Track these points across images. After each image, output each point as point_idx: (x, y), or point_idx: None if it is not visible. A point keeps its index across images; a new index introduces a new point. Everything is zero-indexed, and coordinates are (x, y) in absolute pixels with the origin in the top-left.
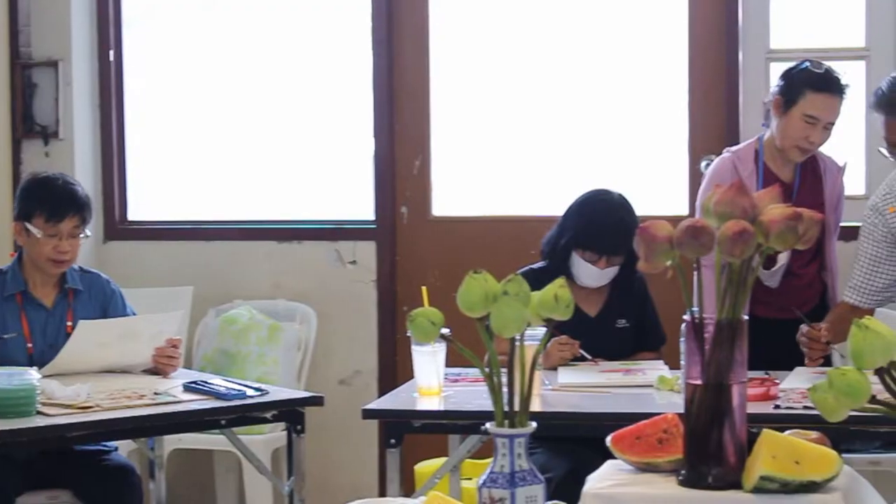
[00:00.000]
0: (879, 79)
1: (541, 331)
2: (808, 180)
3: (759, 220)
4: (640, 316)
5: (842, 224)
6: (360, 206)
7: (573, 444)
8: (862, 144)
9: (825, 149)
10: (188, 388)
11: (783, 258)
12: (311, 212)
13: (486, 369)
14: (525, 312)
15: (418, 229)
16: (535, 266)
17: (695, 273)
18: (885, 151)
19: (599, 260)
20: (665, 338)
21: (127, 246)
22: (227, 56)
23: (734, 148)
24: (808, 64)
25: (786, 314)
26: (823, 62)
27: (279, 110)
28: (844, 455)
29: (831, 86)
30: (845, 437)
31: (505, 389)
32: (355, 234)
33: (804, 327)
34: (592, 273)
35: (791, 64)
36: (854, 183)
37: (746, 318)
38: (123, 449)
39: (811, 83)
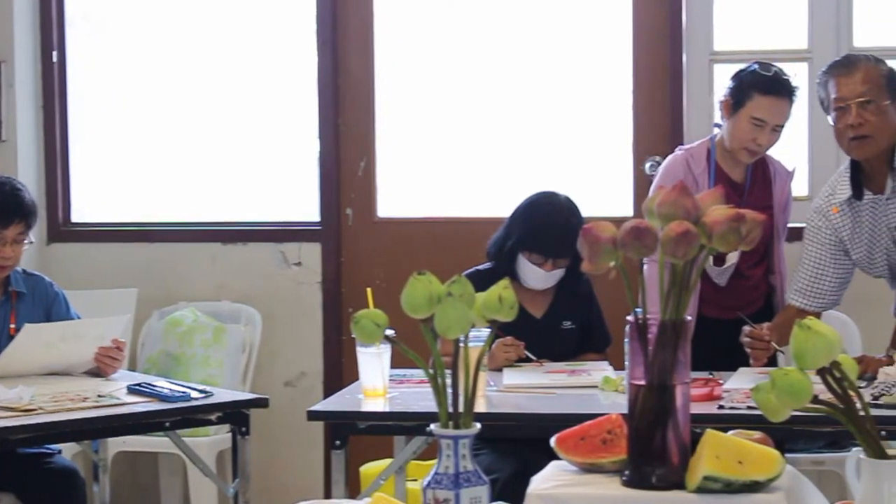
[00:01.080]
0: None
1: (485, 332)
2: (759, 182)
3: (702, 222)
4: (586, 317)
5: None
6: (305, 207)
7: (518, 445)
8: (805, 146)
9: (775, 153)
10: (132, 390)
11: (734, 257)
12: (256, 213)
13: (431, 371)
14: (469, 314)
15: (363, 230)
16: (481, 267)
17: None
18: (830, 119)
19: (545, 262)
20: (610, 339)
21: (71, 248)
22: (171, 56)
23: (687, 146)
24: (756, 66)
25: (732, 314)
26: (774, 64)
27: (224, 111)
28: (788, 455)
29: (779, 88)
30: (788, 436)
31: (449, 391)
32: (300, 236)
33: (747, 328)
34: (538, 275)
35: (737, 66)
36: (798, 185)
37: (690, 318)
38: (67, 451)
39: (758, 86)
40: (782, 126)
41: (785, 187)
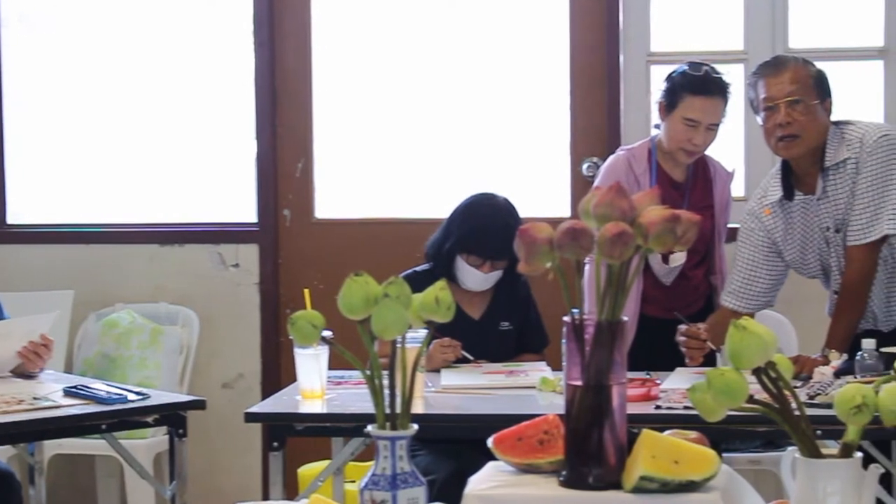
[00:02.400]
0: None
1: (422, 333)
2: (700, 182)
3: (637, 222)
4: (524, 318)
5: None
6: (243, 208)
7: (457, 446)
8: (741, 147)
9: (714, 154)
10: (68, 392)
11: (681, 257)
12: (193, 214)
13: (368, 372)
14: (406, 315)
15: (301, 232)
16: (419, 269)
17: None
18: (760, 119)
19: (483, 264)
20: (548, 339)
21: (6, 249)
22: (108, 56)
23: (629, 146)
24: (685, 67)
25: (670, 314)
26: (705, 63)
27: (161, 112)
28: (726, 454)
29: (709, 88)
30: (725, 436)
31: (387, 392)
32: (238, 237)
33: (683, 326)
34: (476, 277)
35: (674, 67)
36: (734, 186)
37: (626, 319)
38: (2, 454)
39: (689, 86)
40: (717, 124)
41: (725, 188)
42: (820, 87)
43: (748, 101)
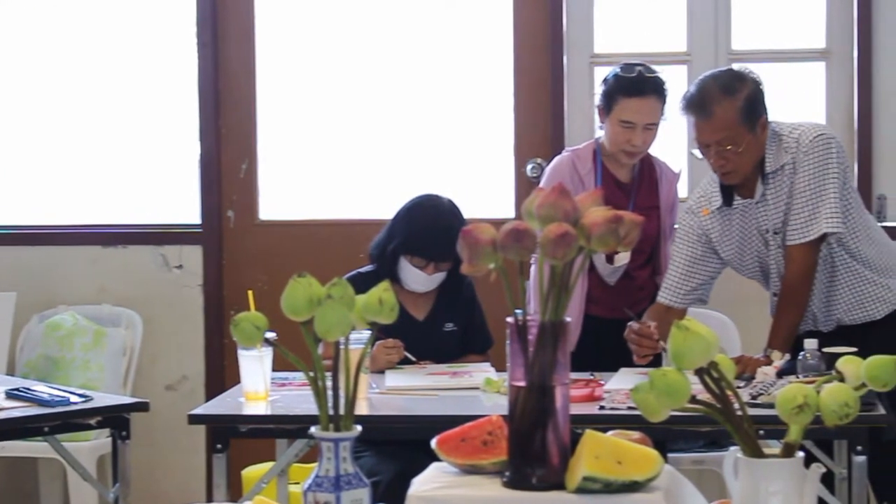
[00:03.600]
0: None
1: (366, 334)
2: (646, 183)
3: (580, 223)
4: (468, 319)
5: None
6: (186, 209)
7: (401, 447)
8: (684, 148)
9: (658, 154)
10: (10, 395)
11: (625, 256)
12: (137, 216)
13: (311, 373)
14: (349, 316)
15: (245, 233)
16: (363, 270)
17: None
18: (697, 153)
19: (427, 265)
20: (492, 340)
21: None
22: (50, 57)
23: (574, 147)
24: (618, 70)
25: (616, 314)
26: (639, 63)
27: (104, 113)
28: (671, 454)
29: (642, 88)
30: (668, 436)
31: (330, 393)
32: (181, 238)
33: (634, 324)
34: (420, 278)
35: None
36: (678, 186)
37: (570, 319)
38: None
39: (622, 89)
40: (655, 124)
41: (671, 189)
42: (751, 116)
43: None
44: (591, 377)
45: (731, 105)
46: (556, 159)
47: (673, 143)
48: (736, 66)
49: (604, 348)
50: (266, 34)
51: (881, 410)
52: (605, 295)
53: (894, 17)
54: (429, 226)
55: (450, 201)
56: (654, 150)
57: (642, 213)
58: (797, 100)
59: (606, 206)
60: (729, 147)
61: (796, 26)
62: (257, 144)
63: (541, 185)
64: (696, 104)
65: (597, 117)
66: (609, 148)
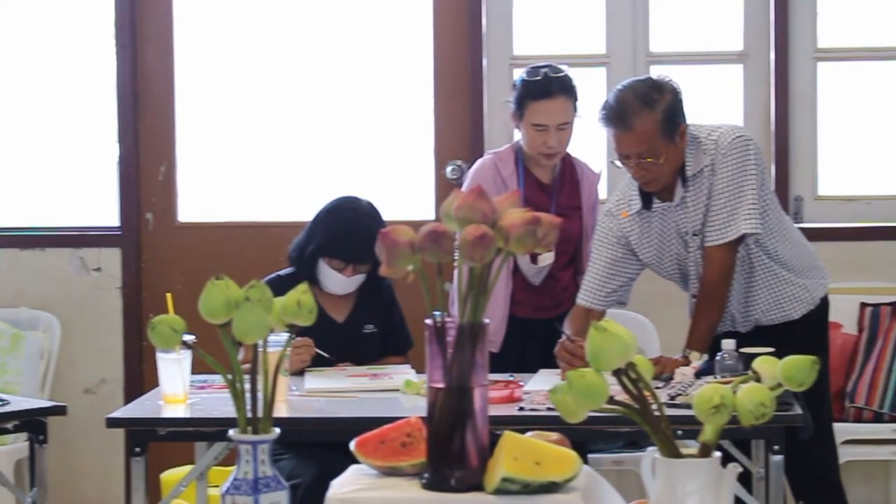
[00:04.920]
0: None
1: (284, 336)
2: (567, 183)
3: (498, 225)
4: (388, 321)
5: None
6: (105, 212)
7: (321, 450)
8: (603, 151)
9: (578, 155)
10: None
11: (549, 257)
12: (55, 218)
13: (229, 376)
14: (267, 318)
15: (164, 235)
16: (282, 272)
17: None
18: (618, 163)
19: (346, 268)
20: (412, 342)
21: None
22: None
23: (496, 150)
24: (524, 75)
25: (541, 314)
26: (544, 64)
27: (21, 115)
28: (592, 455)
29: (549, 90)
30: (587, 437)
31: (249, 395)
32: (100, 241)
33: (567, 342)
34: (339, 280)
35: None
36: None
37: (488, 321)
38: None
39: (530, 93)
40: (567, 123)
41: (592, 189)
42: (670, 127)
43: None
44: (511, 378)
45: (650, 117)
46: (479, 162)
47: (592, 143)
48: (654, 73)
49: (528, 349)
50: (184, 36)
51: (798, 410)
52: (529, 296)
53: (810, 19)
54: (347, 228)
55: (369, 203)
56: (575, 152)
57: (565, 214)
58: (715, 102)
59: (529, 208)
60: (649, 159)
61: (714, 29)
62: (176, 147)
63: (463, 187)
64: (616, 117)
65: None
66: (527, 151)
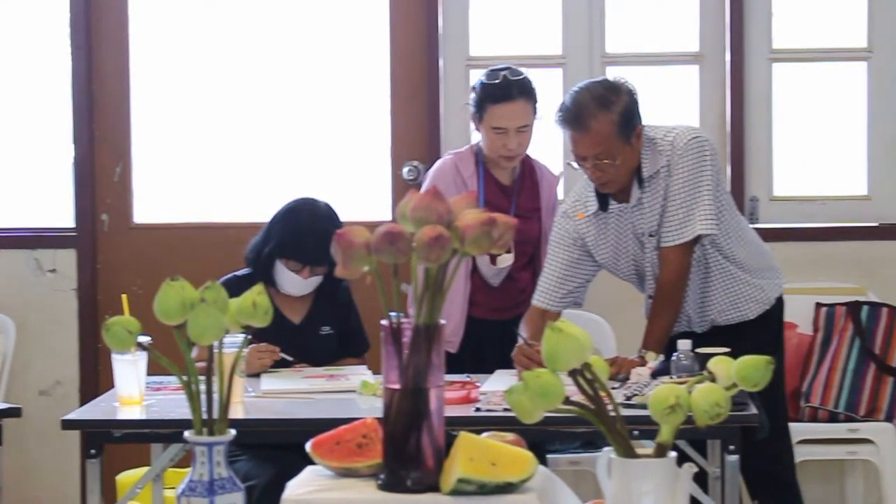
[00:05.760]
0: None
1: (239, 338)
2: (527, 185)
3: (454, 226)
4: (344, 322)
5: None
6: (60, 213)
7: (277, 451)
8: (560, 152)
9: (537, 157)
10: None
11: (509, 258)
12: (9, 219)
13: (184, 377)
14: (223, 319)
15: (120, 237)
16: (239, 273)
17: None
18: (574, 164)
19: (303, 269)
20: (369, 343)
21: None
22: None
23: (456, 151)
24: (484, 78)
25: (499, 316)
26: (503, 67)
27: None
28: (549, 455)
29: (508, 93)
30: (544, 437)
31: (204, 397)
32: (55, 242)
33: (525, 347)
34: (296, 282)
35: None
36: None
37: (443, 322)
38: None
39: (488, 96)
40: (527, 125)
41: (552, 191)
42: (626, 128)
43: None
44: (468, 379)
45: (606, 119)
46: (439, 162)
47: (550, 145)
48: (611, 74)
49: (486, 350)
50: (140, 37)
51: (753, 410)
52: (487, 297)
53: (766, 21)
54: (304, 230)
55: (326, 205)
56: (535, 154)
57: (524, 216)
58: (671, 103)
59: (488, 209)
60: (606, 161)
61: (670, 30)
62: (132, 147)
63: (423, 188)
64: (572, 118)
65: (472, 123)
66: (487, 153)
